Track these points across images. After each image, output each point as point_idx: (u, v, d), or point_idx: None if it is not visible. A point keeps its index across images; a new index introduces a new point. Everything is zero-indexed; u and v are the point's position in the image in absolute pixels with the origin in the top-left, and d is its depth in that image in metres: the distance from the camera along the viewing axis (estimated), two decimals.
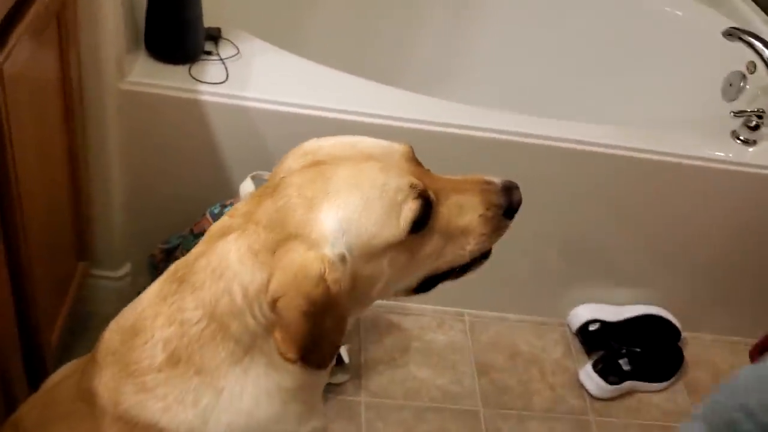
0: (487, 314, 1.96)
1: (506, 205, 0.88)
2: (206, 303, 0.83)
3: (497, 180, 0.89)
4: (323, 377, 0.96)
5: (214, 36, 1.68)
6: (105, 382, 0.87)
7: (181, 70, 1.57)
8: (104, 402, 0.87)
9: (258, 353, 0.85)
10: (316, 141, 0.87)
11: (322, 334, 0.79)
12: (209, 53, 1.63)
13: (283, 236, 0.79)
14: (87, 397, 0.89)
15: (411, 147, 0.88)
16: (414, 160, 0.88)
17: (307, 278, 0.77)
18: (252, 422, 0.87)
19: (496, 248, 0.90)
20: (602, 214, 1.83)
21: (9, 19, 1.01)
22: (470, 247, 0.88)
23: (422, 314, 1.91)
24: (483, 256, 0.92)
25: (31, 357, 1.29)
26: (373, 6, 2.32)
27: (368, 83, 1.67)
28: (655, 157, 1.70)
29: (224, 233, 0.84)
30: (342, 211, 0.79)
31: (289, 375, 0.87)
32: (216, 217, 1.51)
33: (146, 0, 1.54)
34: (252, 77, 1.60)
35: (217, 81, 1.57)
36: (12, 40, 1.00)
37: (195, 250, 0.86)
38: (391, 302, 1.89)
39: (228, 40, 1.69)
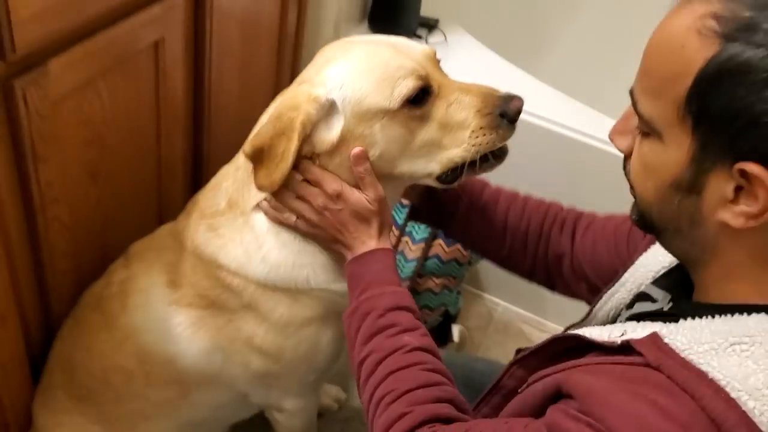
0: None
1: (503, 107, 0.93)
2: None
3: (505, 92, 0.96)
4: None
5: (431, 25, 1.85)
6: (188, 224, 1.07)
7: None
8: (185, 239, 1.07)
9: None
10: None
11: (273, 152, 0.91)
12: (419, 37, 1.80)
13: (301, 83, 0.96)
14: (175, 235, 1.09)
15: (435, 51, 0.98)
16: (433, 61, 0.97)
17: (291, 101, 0.92)
18: (281, 259, 1.00)
19: None
20: None
21: None
22: (468, 140, 0.94)
23: None
24: (497, 155, 0.97)
25: None
26: (622, 48, 2.31)
27: (568, 99, 1.71)
28: None
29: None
30: (347, 71, 0.93)
31: None
32: None
33: None
34: (447, 63, 1.72)
35: None
36: None
37: None
38: (530, 313, 1.91)
39: (441, 30, 1.85)
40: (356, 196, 0.94)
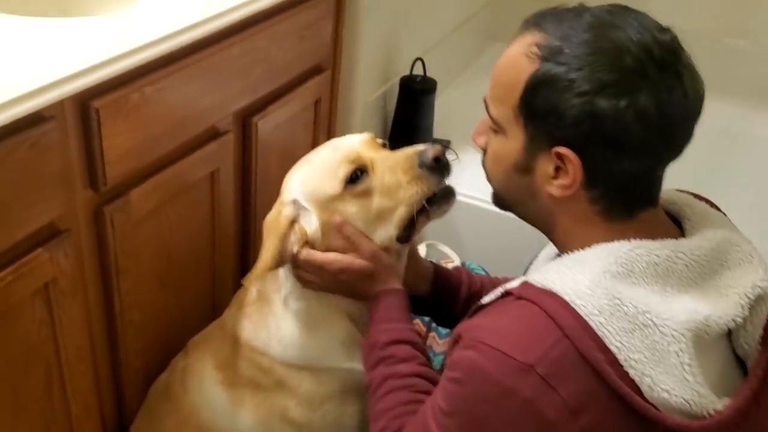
0: None
1: (420, 160, 1.13)
2: None
3: (423, 146, 1.15)
4: (344, 321, 1.20)
5: (444, 146, 2.08)
6: (231, 315, 1.29)
7: None
8: (228, 328, 1.27)
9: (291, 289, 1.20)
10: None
11: (263, 247, 1.16)
12: None
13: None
14: (221, 325, 1.30)
15: (372, 135, 1.21)
16: (371, 143, 1.19)
17: (272, 211, 1.18)
18: (294, 340, 1.19)
19: None
20: None
21: (274, 94, 1.51)
22: (404, 194, 1.12)
23: None
24: (443, 199, 1.14)
25: None
26: None
27: None
28: None
29: None
30: (302, 174, 1.19)
31: (306, 303, 1.19)
32: None
33: (394, 110, 2.02)
34: (459, 176, 1.94)
35: None
36: (272, 108, 1.49)
37: None
38: None
39: (453, 150, 2.09)
40: (355, 264, 1.13)
